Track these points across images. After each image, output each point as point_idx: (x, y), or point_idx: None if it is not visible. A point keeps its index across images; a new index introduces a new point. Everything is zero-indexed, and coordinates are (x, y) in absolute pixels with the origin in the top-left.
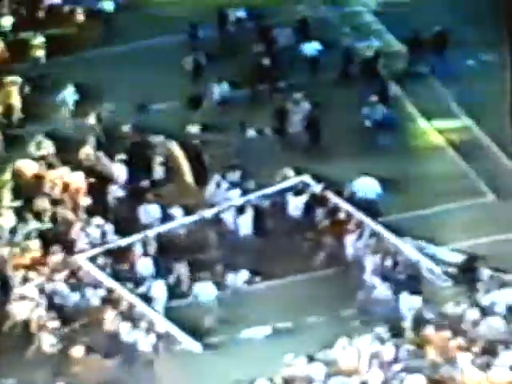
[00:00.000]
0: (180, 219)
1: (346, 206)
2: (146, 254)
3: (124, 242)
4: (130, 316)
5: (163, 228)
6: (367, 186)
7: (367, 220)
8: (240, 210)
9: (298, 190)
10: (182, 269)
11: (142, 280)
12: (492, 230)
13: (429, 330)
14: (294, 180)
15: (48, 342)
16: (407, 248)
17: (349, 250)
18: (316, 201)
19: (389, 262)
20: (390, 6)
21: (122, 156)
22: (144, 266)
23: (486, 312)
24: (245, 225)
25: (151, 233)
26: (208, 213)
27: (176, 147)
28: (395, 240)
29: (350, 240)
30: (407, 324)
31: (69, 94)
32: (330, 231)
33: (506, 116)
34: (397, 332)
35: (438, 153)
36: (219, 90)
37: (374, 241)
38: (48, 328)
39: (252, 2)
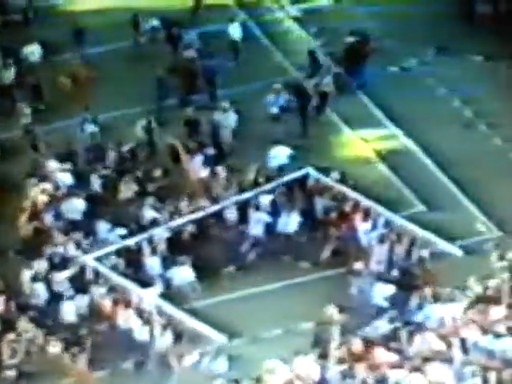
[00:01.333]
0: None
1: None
2: (153, 252)
3: (131, 241)
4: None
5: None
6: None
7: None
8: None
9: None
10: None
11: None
12: None
13: (359, 347)
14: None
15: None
16: None
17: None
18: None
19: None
20: (310, 13)
21: None
22: (152, 264)
23: (418, 328)
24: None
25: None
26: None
27: None
28: None
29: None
30: (335, 342)
31: None
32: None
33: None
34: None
35: (363, 163)
36: None
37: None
38: None
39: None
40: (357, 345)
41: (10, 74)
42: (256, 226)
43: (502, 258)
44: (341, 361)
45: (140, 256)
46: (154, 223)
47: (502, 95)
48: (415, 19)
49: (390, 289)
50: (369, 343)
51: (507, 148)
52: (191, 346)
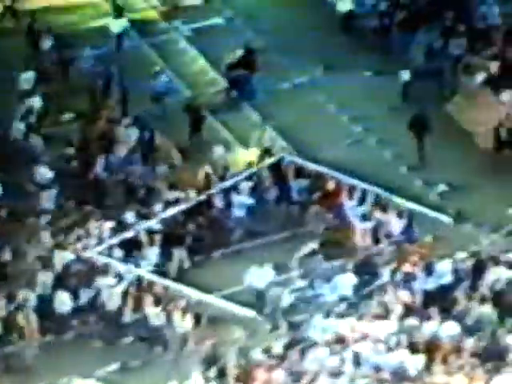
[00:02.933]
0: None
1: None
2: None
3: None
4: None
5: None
6: None
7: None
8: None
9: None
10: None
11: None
12: None
13: (253, 368)
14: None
15: None
16: None
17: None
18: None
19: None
20: (202, 32)
21: None
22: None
23: (311, 344)
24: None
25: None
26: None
27: None
28: None
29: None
30: (231, 363)
31: None
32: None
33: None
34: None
35: None
36: None
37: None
38: None
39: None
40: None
41: None
42: (239, 209)
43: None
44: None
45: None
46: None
47: (391, 111)
48: (304, 35)
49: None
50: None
51: (397, 163)
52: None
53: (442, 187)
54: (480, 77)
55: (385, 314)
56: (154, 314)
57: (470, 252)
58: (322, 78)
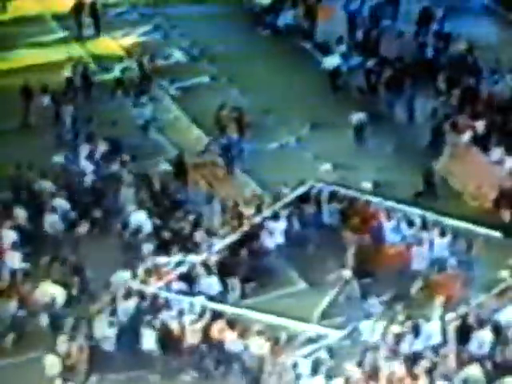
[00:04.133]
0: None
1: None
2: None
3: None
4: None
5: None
6: None
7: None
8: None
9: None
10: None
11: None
12: None
13: None
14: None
15: None
16: None
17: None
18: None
19: None
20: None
21: None
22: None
23: None
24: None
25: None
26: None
27: None
28: None
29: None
30: None
31: None
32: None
33: None
34: None
35: None
36: None
37: None
38: None
39: None
40: None
41: None
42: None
43: None
44: None
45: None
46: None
47: (375, 165)
48: (290, 93)
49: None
50: None
51: None
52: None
53: None
54: (467, 135)
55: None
56: (230, 341)
57: (458, 312)
58: (309, 137)
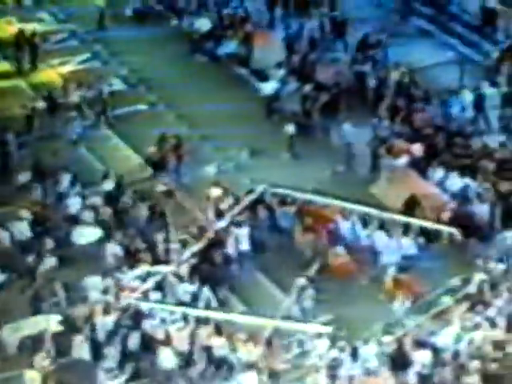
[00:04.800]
0: None
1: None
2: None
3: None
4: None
5: None
6: None
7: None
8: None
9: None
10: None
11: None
12: None
13: None
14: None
15: None
16: None
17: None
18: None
19: None
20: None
21: None
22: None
23: None
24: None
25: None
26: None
27: None
28: None
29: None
30: None
31: None
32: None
33: None
34: None
35: None
36: None
37: None
38: None
39: None
40: None
41: None
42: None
43: None
44: None
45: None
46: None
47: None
48: (228, 119)
49: None
50: None
51: None
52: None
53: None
54: (403, 159)
55: None
56: (218, 346)
57: (395, 335)
58: (248, 163)
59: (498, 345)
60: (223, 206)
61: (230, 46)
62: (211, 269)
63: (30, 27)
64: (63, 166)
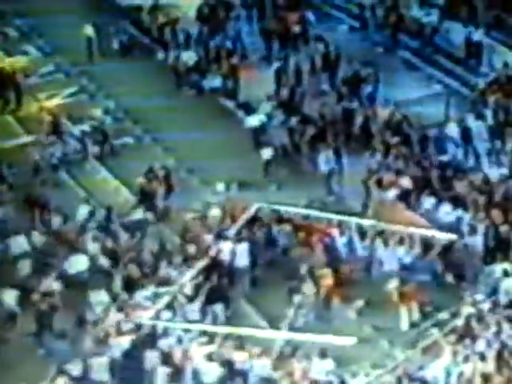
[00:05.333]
0: None
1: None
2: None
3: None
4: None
5: None
6: None
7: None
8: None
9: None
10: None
11: None
12: None
13: None
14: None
15: None
16: None
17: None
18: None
19: None
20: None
21: None
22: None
23: None
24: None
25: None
26: None
27: None
28: None
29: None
30: None
31: None
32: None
33: None
34: None
35: None
36: None
37: None
38: None
39: None
40: None
41: None
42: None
43: None
44: None
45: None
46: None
47: None
48: (215, 152)
49: None
50: None
51: None
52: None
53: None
54: (393, 192)
55: None
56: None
57: (385, 368)
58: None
59: (488, 378)
60: (221, 225)
61: (215, 80)
62: (216, 286)
63: (12, 61)
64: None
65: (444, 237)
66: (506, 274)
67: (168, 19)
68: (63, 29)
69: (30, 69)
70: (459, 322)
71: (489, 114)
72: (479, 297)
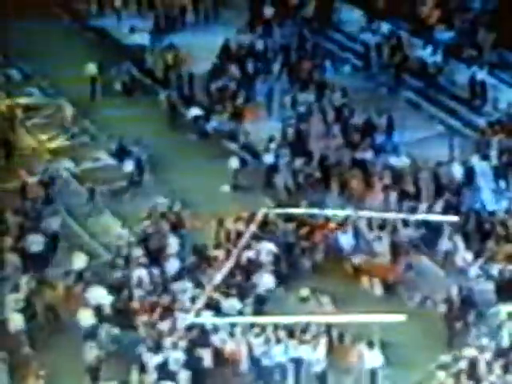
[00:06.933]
0: None
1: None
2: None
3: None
4: None
5: None
6: None
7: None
8: None
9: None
10: None
11: None
12: None
13: None
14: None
15: None
16: None
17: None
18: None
19: None
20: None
21: None
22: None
23: None
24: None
25: None
26: None
27: None
28: None
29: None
30: None
31: None
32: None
33: None
34: None
35: None
36: None
37: None
38: None
39: None
40: None
41: None
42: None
43: None
44: None
45: None
46: None
47: None
48: (220, 197)
49: None
50: None
51: None
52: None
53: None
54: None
55: None
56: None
57: None
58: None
59: None
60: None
61: (216, 122)
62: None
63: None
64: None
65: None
66: (510, 316)
67: (175, 60)
68: (65, 70)
69: (33, 110)
70: (463, 365)
71: (494, 154)
72: (483, 339)
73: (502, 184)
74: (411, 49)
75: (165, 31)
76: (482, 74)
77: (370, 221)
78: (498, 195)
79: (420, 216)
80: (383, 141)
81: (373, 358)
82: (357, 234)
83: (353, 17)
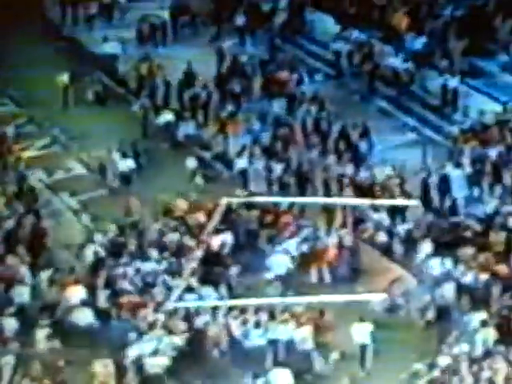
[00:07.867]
0: None
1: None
2: None
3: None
4: None
5: None
6: None
7: None
8: None
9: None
10: None
11: None
12: None
13: None
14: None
15: None
16: None
17: None
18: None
19: None
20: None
21: None
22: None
23: None
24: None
25: None
26: None
27: None
28: None
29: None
30: None
31: None
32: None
33: None
34: None
35: None
36: None
37: None
38: None
39: None
40: None
41: None
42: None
43: None
44: None
45: None
46: None
47: None
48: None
49: None
50: None
51: None
52: None
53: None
54: None
55: None
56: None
57: None
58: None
59: None
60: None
61: (188, 128)
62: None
63: None
64: None
65: None
66: (483, 324)
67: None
68: (38, 80)
69: (6, 120)
70: (436, 373)
71: (466, 162)
72: (456, 347)
73: (476, 192)
74: (382, 57)
75: (145, 42)
76: (453, 82)
77: None
78: (471, 203)
79: (385, 202)
80: (364, 152)
81: (362, 334)
82: None
83: (325, 25)
